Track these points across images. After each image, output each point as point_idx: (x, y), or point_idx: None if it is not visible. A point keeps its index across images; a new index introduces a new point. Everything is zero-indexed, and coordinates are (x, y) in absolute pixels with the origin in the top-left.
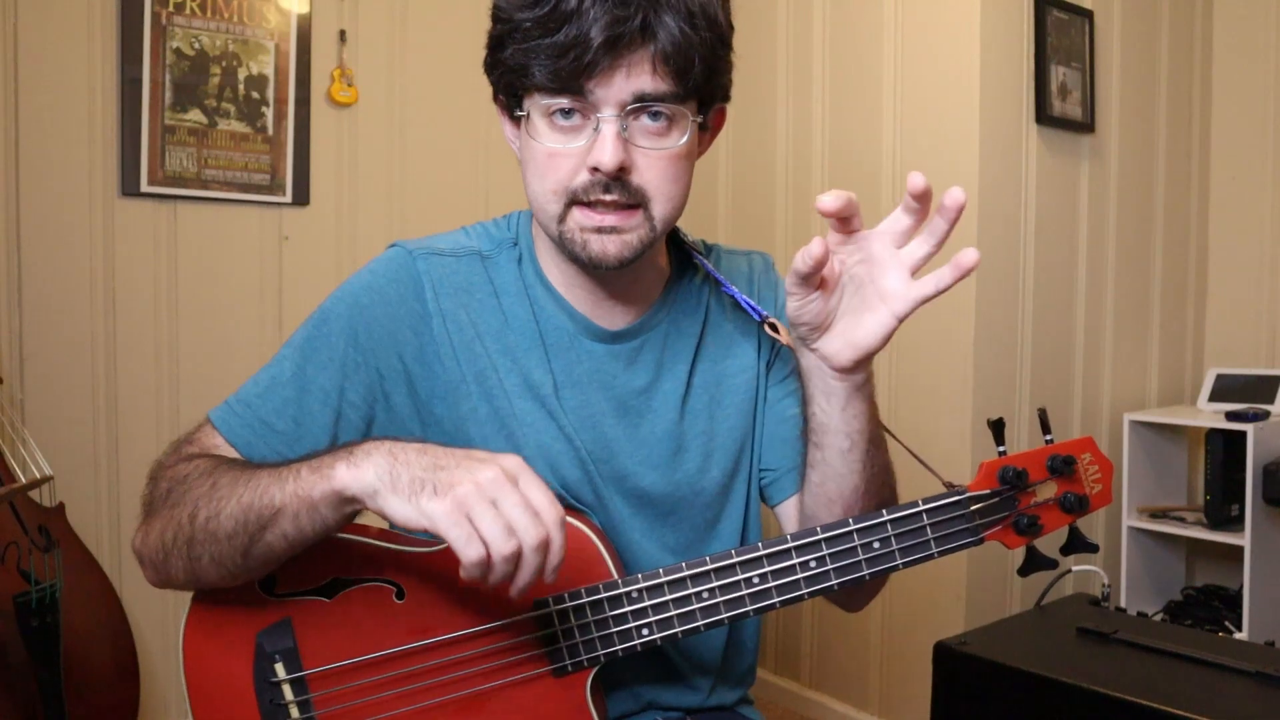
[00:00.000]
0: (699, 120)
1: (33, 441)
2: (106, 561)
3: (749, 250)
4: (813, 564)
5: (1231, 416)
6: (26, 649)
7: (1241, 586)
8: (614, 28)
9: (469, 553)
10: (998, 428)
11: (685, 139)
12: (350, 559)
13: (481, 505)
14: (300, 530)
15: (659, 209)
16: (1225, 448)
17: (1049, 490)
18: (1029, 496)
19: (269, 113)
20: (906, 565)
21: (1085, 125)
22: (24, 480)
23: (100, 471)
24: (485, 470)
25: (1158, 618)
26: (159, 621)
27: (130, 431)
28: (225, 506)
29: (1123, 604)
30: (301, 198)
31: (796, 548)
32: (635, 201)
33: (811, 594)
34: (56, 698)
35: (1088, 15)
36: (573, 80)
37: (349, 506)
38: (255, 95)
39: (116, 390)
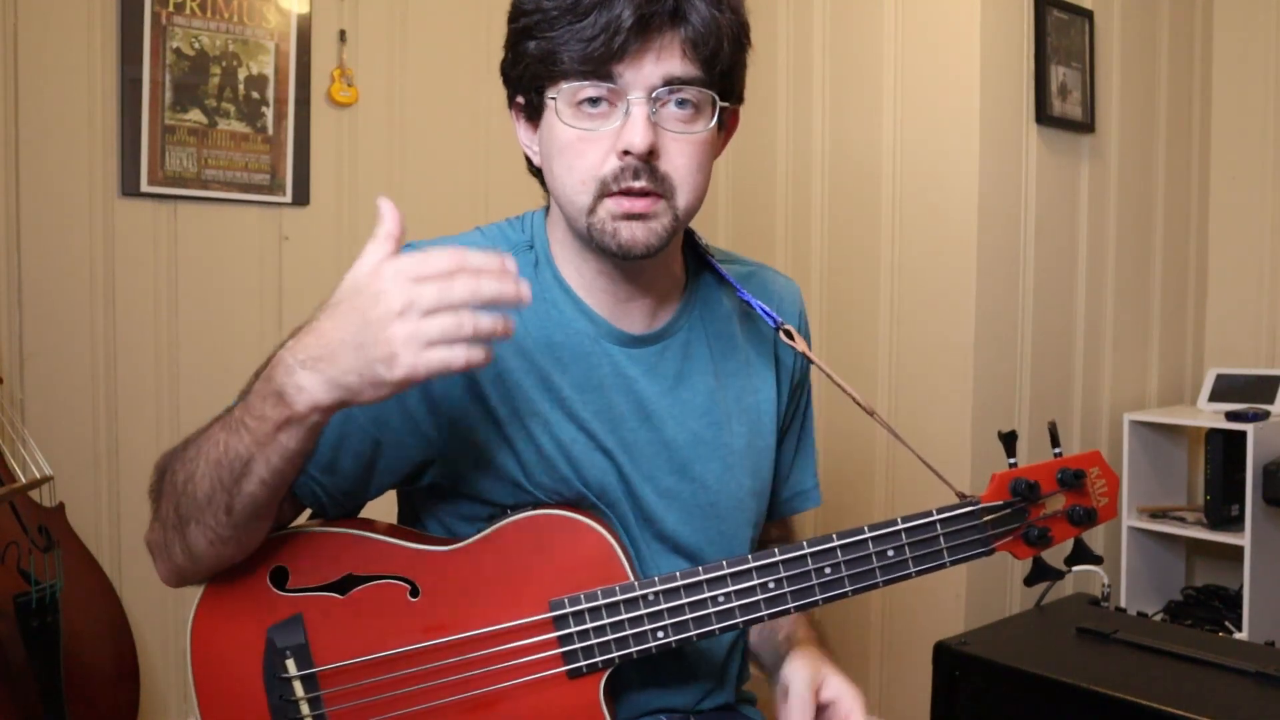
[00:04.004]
0: (725, 106)
1: (33, 441)
2: (106, 561)
3: (785, 275)
4: (828, 570)
5: (1231, 416)
6: (26, 649)
7: (1241, 586)
8: (645, 7)
9: (456, 362)
10: (1009, 440)
11: (710, 125)
12: (364, 556)
13: (423, 324)
14: (273, 470)
15: (682, 198)
16: (1225, 448)
17: (1058, 503)
18: (1039, 508)
19: (269, 113)
20: (920, 574)
21: (1085, 125)
22: (24, 480)
23: (100, 471)
24: (385, 303)
25: (1158, 618)
26: (159, 621)
27: (130, 431)
28: (198, 467)
29: (1123, 604)
30: (301, 198)
31: (813, 554)
32: (661, 190)
33: (826, 600)
34: (56, 698)
35: (1088, 15)
36: (603, 64)
37: (316, 418)
38: (255, 95)
39: (116, 390)
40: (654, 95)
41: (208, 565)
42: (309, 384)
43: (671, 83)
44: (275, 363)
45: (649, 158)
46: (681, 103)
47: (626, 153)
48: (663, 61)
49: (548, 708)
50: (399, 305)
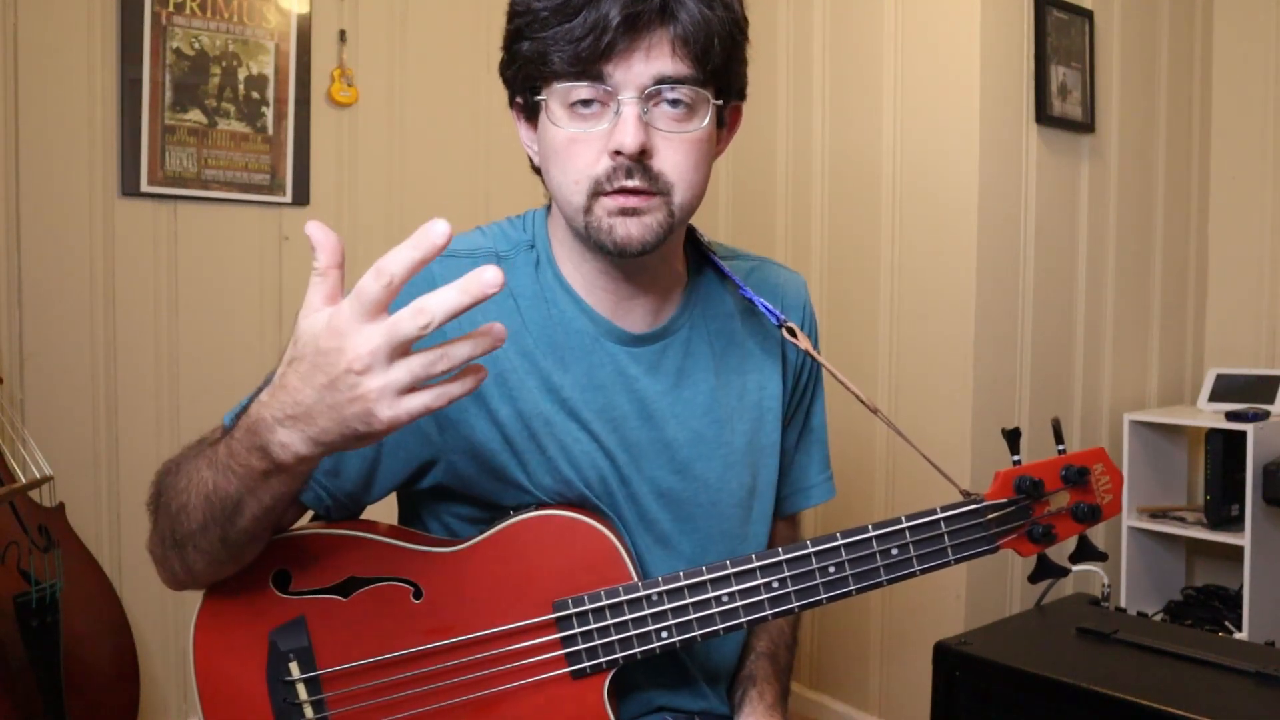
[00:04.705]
0: (719, 104)
1: (33, 441)
2: (106, 561)
3: (789, 268)
4: (832, 570)
5: (1231, 416)
6: (26, 649)
7: (1241, 586)
8: (632, 6)
9: (438, 405)
10: (1013, 437)
11: (705, 124)
12: (367, 558)
13: (392, 374)
14: (265, 508)
15: (679, 195)
16: (1225, 448)
17: (1062, 500)
18: (1043, 506)
19: (269, 113)
20: (924, 572)
21: (1085, 125)
22: (24, 480)
23: (100, 471)
24: (346, 360)
25: (1158, 618)
26: (159, 621)
27: (130, 431)
28: (190, 500)
29: (1123, 604)
30: (301, 198)
31: (817, 553)
32: (656, 189)
33: (830, 599)
34: (56, 698)
35: (1088, 15)
36: (592, 64)
37: (304, 467)
38: (255, 95)
39: (116, 390)
40: (645, 94)
41: (206, 579)
42: (291, 441)
43: (663, 81)
44: (255, 417)
45: (641, 157)
46: (674, 102)
47: (618, 153)
48: (653, 60)
49: (551, 708)
50: (360, 364)
